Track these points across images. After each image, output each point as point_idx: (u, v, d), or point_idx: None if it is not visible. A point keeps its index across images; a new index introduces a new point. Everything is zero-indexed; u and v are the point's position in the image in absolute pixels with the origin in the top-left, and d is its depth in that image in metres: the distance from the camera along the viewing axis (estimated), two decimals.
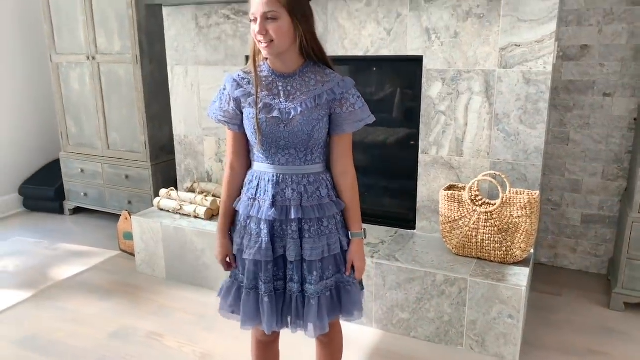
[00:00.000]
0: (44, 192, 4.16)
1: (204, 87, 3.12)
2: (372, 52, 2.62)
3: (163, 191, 3.20)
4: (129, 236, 3.30)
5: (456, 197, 2.38)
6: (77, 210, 4.19)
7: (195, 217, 2.99)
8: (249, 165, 1.61)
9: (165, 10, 3.10)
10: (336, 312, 1.61)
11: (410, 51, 2.54)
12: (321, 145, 1.54)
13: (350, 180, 1.58)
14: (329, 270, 1.57)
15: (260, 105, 1.46)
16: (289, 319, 1.60)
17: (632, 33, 2.69)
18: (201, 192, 3.13)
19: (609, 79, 2.79)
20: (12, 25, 4.10)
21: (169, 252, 2.98)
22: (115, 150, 3.80)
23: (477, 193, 2.42)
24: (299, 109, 1.45)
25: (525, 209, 2.24)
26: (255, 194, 1.54)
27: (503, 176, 2.34)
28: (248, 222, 1.56)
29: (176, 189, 3.26)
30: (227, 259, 1.64)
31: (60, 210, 4.19)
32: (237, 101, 1.51)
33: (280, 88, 1.49)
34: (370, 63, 2.73)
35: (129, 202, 3.80)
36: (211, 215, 2.99)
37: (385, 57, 2.61)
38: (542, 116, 2.36)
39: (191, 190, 3.21)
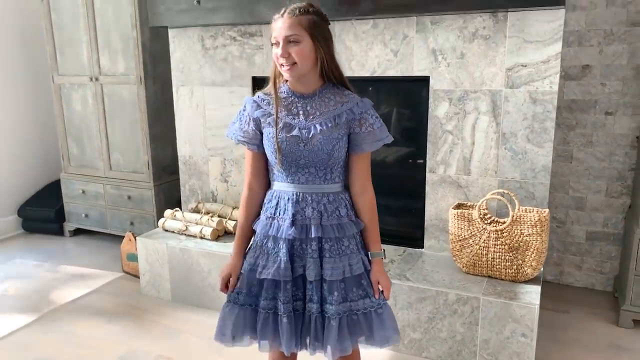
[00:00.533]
0: (44, 213, 4.12)
1: (209, 108, 3.13)
2: (378, 73, 2.65)
3: (168, 212, 3.18)
4: (132, 258, 3.27)
5: (466, 215, 2.39)
6: (77, 232, 4.15)
7: (201, 237, 2.97)
8: (267, 186, 1.62)
9: (171, 32, 3.13)
10: (360, 335, 1.59)
11: (417, 72, 2.57)
12: (340, 164, 1.56)
13: (369, 200, 1.59)
14: (354, 292, 1.55)
15: (280, 124, 1.49)
16: (307, 340, 1.59)
17: (633, 53, 2.75)
18: (206, 213, 3.12)
19: (610, 98, 2.83)
20: (13, 45, 4.11)
21: (174, 273, 2.95)
22: (118, 171, 3.78)
23: (486, 211, 2.44)
24: (319, 128, 1.48)
25: (536, 226, 2.25)
26: (275, 213, 1.55)
27: (512, 194, 2.36)
28: (265, 241, 1.56)
29: (180, 209, 3.25)
30: (229, 280, 1.61)
31: (60, 232, 4.15)
32: (257, 121, 1.54)
33: (299, 108, 1.52)
34: (377, 84, 2.76)
35: (131, 223, 3.77)
36: (217, 235, 2.97)
37: (392, 78, 2.64)
38: (549, 135, 2.39)
39: (196, 210, 3.20)
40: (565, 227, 3.06)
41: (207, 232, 2.94)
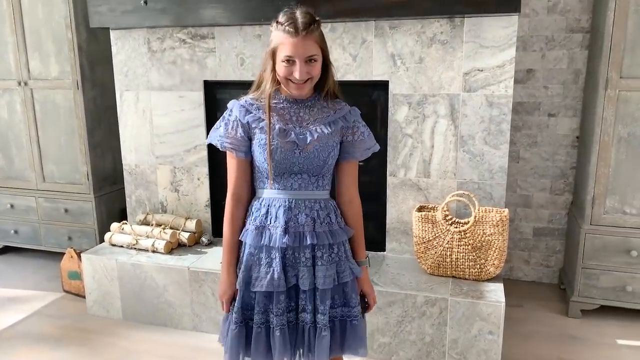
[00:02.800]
0: None
1: (157, 113, 2.97)
2: (337, 77, 2.61)
3: (115, 225, 2.98)
4: (74, 276, 3.03)
5: (429, 217, 2.42)
6: (5, 250, 3.80)
7: (154, 251, 2.81)
8: (253, 194, 1.54)
9: (114, 34, 2.94)
10: (337, 346, 1.56)
11: (376, 76, 2.58)
12: (330, 171, 1.53)
13: (357, 208, 1.58)
14: (336, 300, 1.53)
15: (274, 130, 1.43)
16: (300, 351, 1.53)
17: (572, 58, 2.91)
18: (157, 225, 2.96)
19: (553, 100, 2.99)
20: None
21: (125, 290, 2.77)
22: (52, 182, 3.50)
23: (447, 213, 2.48)
24: (315, 135, 1.44)
25: (497, 226, 2.32)
26: (265, 222, 1.48)
27: (471, 195, 2.42)
28: (256, 252, 1.49)
29: (127, 222, 3.05)
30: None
31: None
32: (246, 127, 1.47)
33: (293, 114, 1.48)
34: None
35: (69, 238, 3.51)
36: (171, 248, 2.82)
37: (351, 82, 2.63)
38: (505, 137, 2.47)
39: (145, 222, 3.02)
40: (513, 224, 3.19)
41: (160, 245, 2.78)
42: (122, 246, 2.90)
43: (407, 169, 2.63)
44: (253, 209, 1.52)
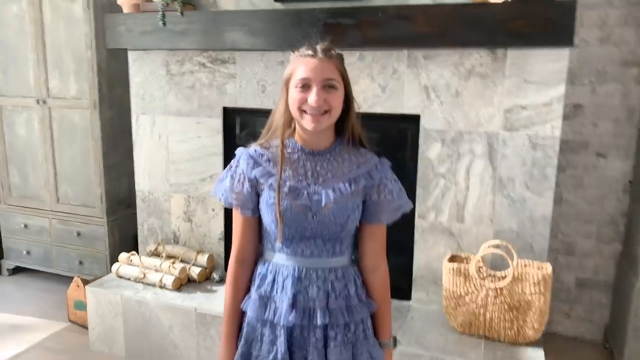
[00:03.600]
0: None
1: (173, 140, 2.81)
2: (365, 109, 2.41)
3: (123, 256, 2.82)
4: (80, 306, 2.88)
5: (462, 271, 2.17)
6: (17, 270, 3.69)
7: (161, 287, 2.63)
8: (259, 256, 1.34)
9: (132, 55, 2.81)
10: None
11: (407, 109, 2.36)
12: (351, 235, 1.30)
13: (383, 277, 1.35)
14: None
15: (285, 188, 1.22)
16: None
17: (625, 93, 2.63)
18: (168, 257, 2.79)
19: (602, 139, 2.71)
20: None
21: (129, 327, 2.59)
22: (66, 204, 3.39)
23: (481, 265, 2.22)
24: (332, 196, 1.22)
25: (539, 285, 2.06)
26: (270, 292, 1.27)
27: (510, 246, 2.16)
28: (259, 326, 1.27)
29: (137, 252, 2.90)
30: None
31: None
32: (254, 182, 1.26)
33: (308, 168, 1.26)
34: (363, 121, 2.52)
35: (80, 263, 3.37)
36: (179, 285, 2.64)
37: (380, 115, 2.41)
38: (550, 182, 2.21)
39: (155, 254, 2.85)
40: (554, 273, 2.89)
41: (169, 281, 2.60)
42: (129, 279, 2.73)
43: (439, 211, 2.39)
44: (258, 274, 1.31)
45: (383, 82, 2.37)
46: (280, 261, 1.27)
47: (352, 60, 2.39)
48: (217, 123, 2.70)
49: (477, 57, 2.22)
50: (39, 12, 3.15)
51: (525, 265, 2.18)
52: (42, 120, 3.33)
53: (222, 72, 2.64)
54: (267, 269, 1.29)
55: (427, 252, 2.44)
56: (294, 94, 1.21)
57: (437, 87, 2.30)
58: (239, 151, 1.32)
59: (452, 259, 2.30)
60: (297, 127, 1.27)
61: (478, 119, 2.26)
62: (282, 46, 2.37)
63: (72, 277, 3.01)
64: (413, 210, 2.39)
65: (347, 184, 1.24)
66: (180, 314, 2.46)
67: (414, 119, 2.38)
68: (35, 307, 3.18)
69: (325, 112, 1.20)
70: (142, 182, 2.95)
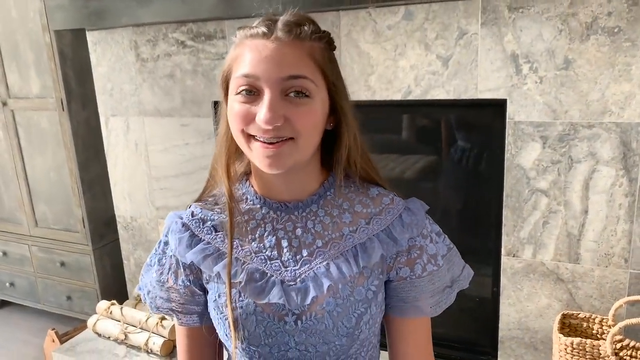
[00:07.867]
0: None
1: (154, 149, 2.09)
2: (416, 95, 1.60)
3: (101, 305, 2.15)
4: None
5: (588, 348, 1.37)
6: (4, 304, 3.13)
7: (148, 352, 1.95)
8: None
9: (91, 37, 2.07)
10: None
11: (484, 92, 1.52)
12: (373, 344, 0.77)
13: None
14: None
15: (240, 277, 0.72)
16: None
17: None
18: None
19: None
20: None
21: None
22: (45, 227, 2.75)
23: (620, 336, 1.41)
24: (326, 282, 0.70)
25: None
26: None
27: None
28: None
29: (119, 302, 2.20)
30: None
31: None
32: (192, 269, 0.78)
33: (279, 233, 0.75)
34: (413, 112, 1.71)
35: (69, 298, 2.75)
36: (171, 349, 1.95)
37: (440, 102, 1.59)
38: None
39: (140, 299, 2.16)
40: None
41: (156, 344, 1.92)
42: (109, 337, 2.06)
43: (539, 246, 1.57)
44: None
45: (445, 52, 1.54)
46: None
47: (395, 20, 1.56)
48: (208, 124, 1.94)
49: (601, 2, 1.35)
50: None
51: None
52: (5, 126, 2.66)
53: (209, 51, 1.86)
54: None
55: (521, 304, 1.64)
56: (234, 105, 0.69)
57: (532, 55, 1.44)
58: (169, 219, 0.82)
59: (566, 322, 1.49)
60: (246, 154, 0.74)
61: (604, 103, 1.41)
62: (287, 3, 1.56)
63: (62, 315, 2.40)
64: (498, 245, 1.59)
65: (350, 256, 0.72)
66: None
67: (497, 107, 1.54)
68: (17, 353, 2.60)
69: (290, 138, 0.67)
70: (122, 206, 2.25)
